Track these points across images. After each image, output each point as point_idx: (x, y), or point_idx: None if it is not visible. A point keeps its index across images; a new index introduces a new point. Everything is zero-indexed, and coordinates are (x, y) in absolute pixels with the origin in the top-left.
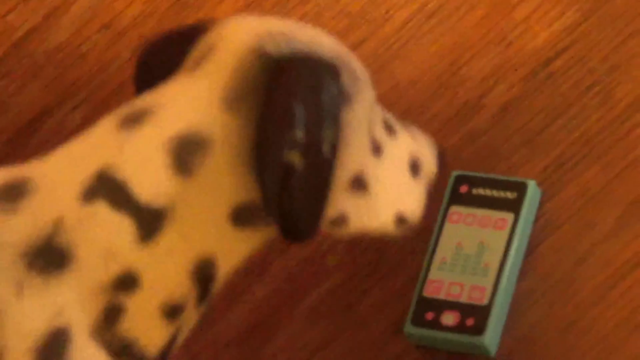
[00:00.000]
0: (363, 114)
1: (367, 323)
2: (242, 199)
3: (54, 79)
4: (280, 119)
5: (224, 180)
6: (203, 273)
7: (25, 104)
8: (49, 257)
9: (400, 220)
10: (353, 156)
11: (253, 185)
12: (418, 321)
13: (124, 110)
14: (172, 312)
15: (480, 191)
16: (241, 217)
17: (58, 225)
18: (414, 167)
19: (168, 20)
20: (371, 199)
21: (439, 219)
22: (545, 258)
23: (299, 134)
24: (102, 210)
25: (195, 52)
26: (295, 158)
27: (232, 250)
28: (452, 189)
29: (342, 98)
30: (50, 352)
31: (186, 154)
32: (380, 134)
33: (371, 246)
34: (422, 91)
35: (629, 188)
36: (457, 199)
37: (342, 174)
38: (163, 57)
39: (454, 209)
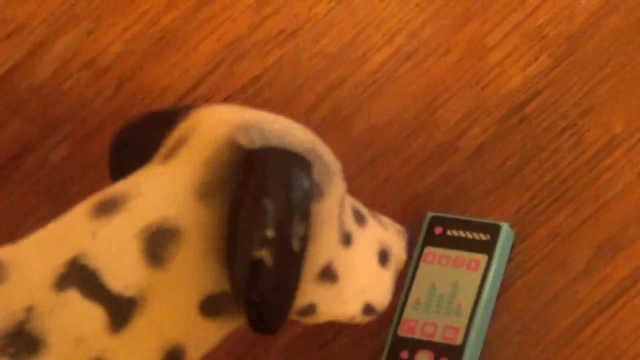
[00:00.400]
0: (334, 206)
1: None
2: (212, 290)
3: (37, 115)
4: (251, 216)
5: (195, 271)
6: None
7: (7, 140)
8: (20, 343)
9: (368, 309)
10: (323, 248)
11: (223, 276)
12: None
13: (98, 197)
14: None
15: (455, 232)
16: (211, 307)
17: (30, 312)
18: (383, 256)
19: (149, 58)
20: (340, 289)
21: (414, 259)
22: (517, 298)
23: (269, 231)
24: (74, 299)
25: (170, 140)
26: (265, 254)
27: (202, 339)
28: (427, 230)
29: (313, 192)
30: None
31: (158, 244)
32: (350, 223)
33: None
34: (398, 132)
35: (600, 230)
36: (432, 240)
37: (312, 265)
38: (138, 140)
39: (429, 249)
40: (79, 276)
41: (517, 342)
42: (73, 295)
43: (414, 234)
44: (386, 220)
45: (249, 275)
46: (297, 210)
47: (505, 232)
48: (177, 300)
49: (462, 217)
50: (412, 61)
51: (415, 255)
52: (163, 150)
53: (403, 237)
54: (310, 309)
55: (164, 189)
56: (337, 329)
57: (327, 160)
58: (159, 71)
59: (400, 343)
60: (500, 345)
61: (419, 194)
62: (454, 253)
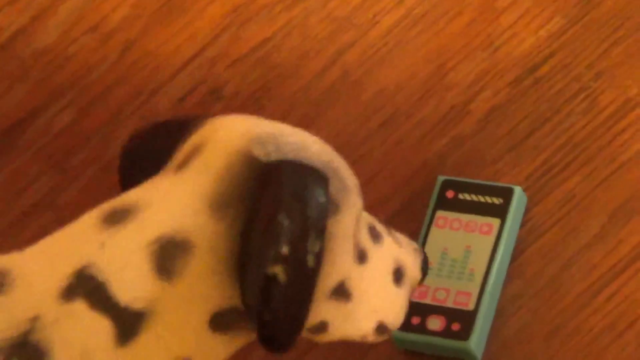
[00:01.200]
0: (350, 223)
1: None
2: (223, 305)
3: (41, 81)
4: (266, 231)
5: (205, 286)
6: None
7: (12, 106)
8: (25, 354)
9: (381, 329)
10: (337, 265)
11: (235, 291)
12: (404, 326)
13: (108, 206)
14: None
15: (467, 196)
16: (221, 322)
17: (35, 322)
18: (398, 274)
19: (155, 22)
20: (353, 307)
21: (425, 223)
22: (530, 263)
23: (284, 247)
24: (81, 310)
25: (183, 150)
26: (278, 271)
27: (211, 354)
28: (438, 194)
29: (330, 208)
30: None
31: (168, 257)
32: (366, 240)
33: None
34: (408, 96)
35: (614, 194)
36: (444, 203)
37: (325, 282)
38: (149, 149)
39: (440, 213)
40: (86, 287)
41: (531, 308)
42: (80, 307)
43: (425, 197)
44: (402, 237)
45: (262, 292)
46: (313, 227)
47: (518, 195)
48: (187, 314)
49: (474, 181)
50: (423, 24)
51: (426, 220)
52: (176, 160)
53: (419, 255)
54: (322, 327)
55: (176, 201)
56: None
57: (345, 176)
58: (165, 35)
59: (412, 308)
60: (513, 311)
61: (430, 158)
62: (465, 217)
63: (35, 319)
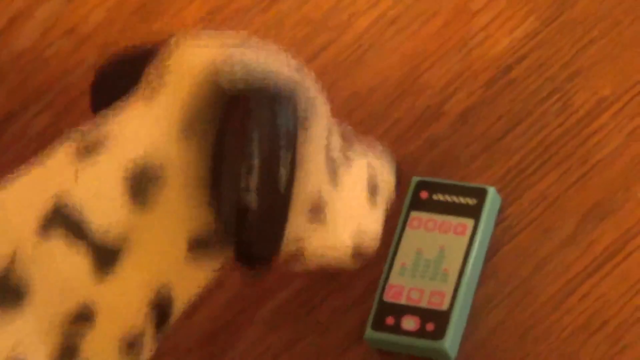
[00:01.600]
0: (320, 140)
1: (328, 328)
2: (199, 229)
3: (18, 84)
4: (236, 148)
5: (180, 210)
6: (161, 304)
7: None
8: (5, 291)
9: (358, 251)
10: (310, 183)
11: (210, 214)
12: (378, 326)
13: (80, 137)
14: (130, 344)
15: (441, 197)
16: (198, 246)
17: (13, 258)
18: (373, 190)
19: (131, 26)
20: (329, 226)
21: (400, 224)
22: (504, 264)
23: (255, 162)
24: (58, 243)
25: (150, 77)
26: (251, 182)
27: (190, 280)
28: (412, 195)
29: (298, 123)
30: None
31: (142, 184)
32: (338, 155)
33: None
34: (382, 98)
35: (588, 194)
36: (418, 204)
37: (300, 197)
38: (120, 75)
39: (415, 214)
40: (63, 219)
41: (505, 308)
42: (57, 239)
43: (399, 198)
44: (372, 141)
45: (236, 210)
46: (283, 142)
47: (492, 196)
48: (163, 240)
49: (448, 181)
50: (397, 26)
51: (400, 221)
52: (143, 86)
53: (389, 160)
54: (299, 250)
55: (146, 128)
56: (323, 295)
57: (310, 87)
58: (141, 38)
59: (386, 309)
60: (487, 311)
61: (404, 159)
62: (440, 218)
63: (13, 255)
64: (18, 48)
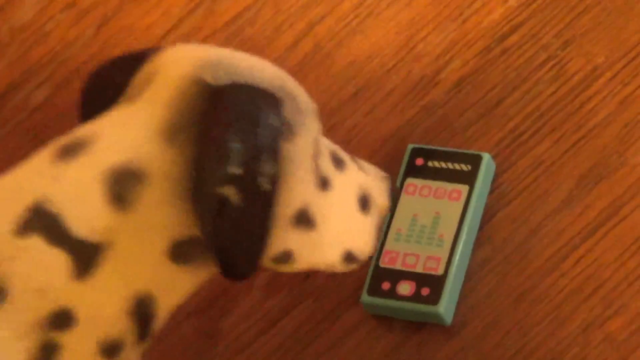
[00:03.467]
0: (307, 147)
1: (325, 293)
2: (182, 234)
3: (18, 57)
4: (215, 152)
5: (162, 214)
6: (142, 310)
7: None
8: None
9: (349, 257)
10: (296, 190)
11: (192, 220)
12: (374, 291)
13: (62, 140)
14: (110, 350)
15: (436, 164)
16: (181, 253)
17: None
18: (364, 202)
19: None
20: (318, 235)
21: None
22: (499, 229)
23: (234, 167)
24: (36, 245)
25: (136, 81)
26: (230, 192)
27: (172, 287)
28: (408, 162)
29: (283, 130)
30: None
31: (122, 187)
32: (328, 167)
33: None
34: (379, 67)
35: (581, 160)
36: (413, 171)
37: (285, 208)
38: (108, 84)
39: (410, 181)
40: (41, 221)
41: (499, 272)
42: (35, 242)
43: (395, 166)
44: (368, 166)
45: (215, 217)
46: (265, 148)
47: (487, 162)
48: (145, 245)
49: (442, 148)
50: None
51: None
52: (129, 91)
53: (386, 183)
54: (286, 256)
55: (128, 131)
56: None
57: (300, 100)
58: (140, 11)
59: (382, 274)
60: (482, 276)
61: (400, 127)
62: (435, 184)
63: None
64: (18, 22)
